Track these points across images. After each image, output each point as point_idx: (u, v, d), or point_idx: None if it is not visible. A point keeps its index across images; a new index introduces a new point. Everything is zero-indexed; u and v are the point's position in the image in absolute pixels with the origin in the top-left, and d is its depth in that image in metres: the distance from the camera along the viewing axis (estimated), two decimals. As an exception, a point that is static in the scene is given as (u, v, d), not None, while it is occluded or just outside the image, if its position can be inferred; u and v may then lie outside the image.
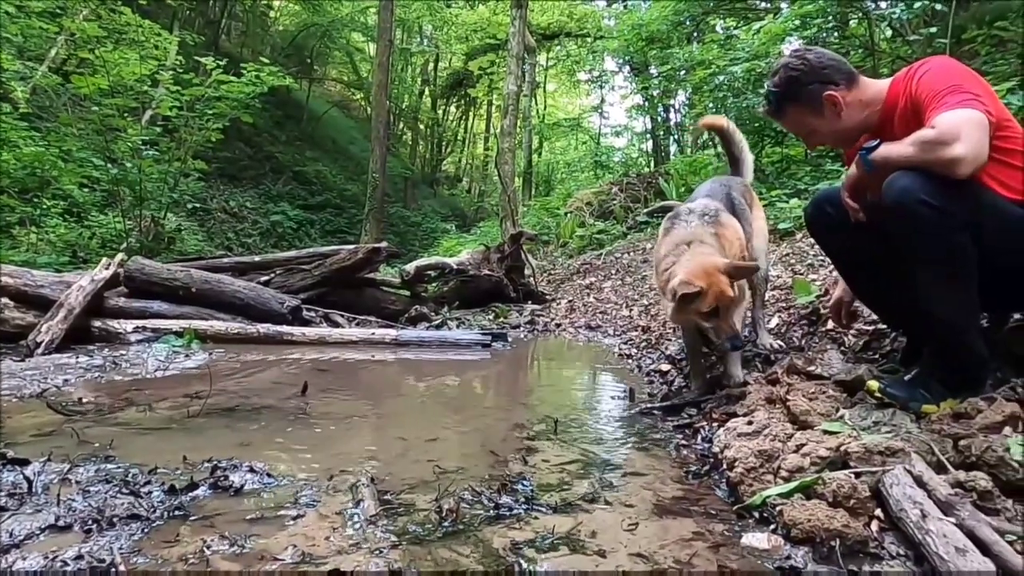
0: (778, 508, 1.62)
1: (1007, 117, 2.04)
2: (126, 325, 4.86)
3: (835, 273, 3.10)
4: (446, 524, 1.64)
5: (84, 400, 2.98)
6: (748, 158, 3.65)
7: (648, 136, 17.91)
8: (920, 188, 1.87)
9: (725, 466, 1.95)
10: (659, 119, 16.58)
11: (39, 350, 4.24)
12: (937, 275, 1.94)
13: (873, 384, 2.14)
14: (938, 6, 5.76)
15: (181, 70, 9.87)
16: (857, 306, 2.84)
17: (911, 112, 2.08)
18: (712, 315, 2.50)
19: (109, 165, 9.07)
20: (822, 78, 2.27)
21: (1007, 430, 1.72)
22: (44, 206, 9.05)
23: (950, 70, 2.05)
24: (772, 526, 1.62)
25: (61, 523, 1.59)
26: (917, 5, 5.64)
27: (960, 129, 1.83)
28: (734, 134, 3.65)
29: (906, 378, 2.18)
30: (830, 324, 3.28)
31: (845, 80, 2.27)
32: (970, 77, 2.02)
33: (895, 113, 2.18)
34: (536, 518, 1.70)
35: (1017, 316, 2.30)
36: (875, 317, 2.84)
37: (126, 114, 9.17)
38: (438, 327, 6.26)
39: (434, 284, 7.64)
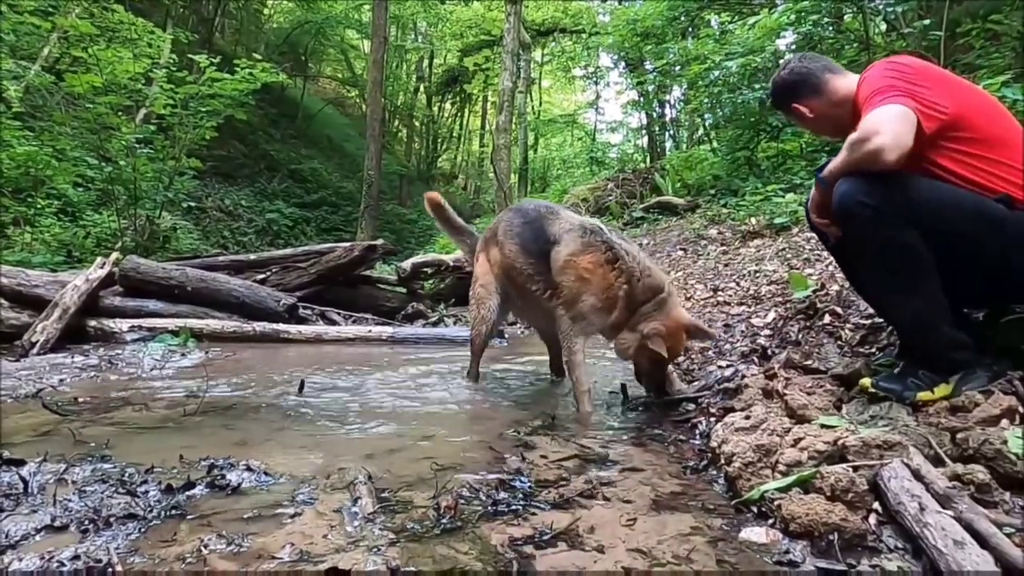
0: (776, 502, 1.62)
1: (972, 109, 2.01)
2: (121, 324, 4.85)
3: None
4: (444, 521, 1.64)
5: (80, 400, 2.97)
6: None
7: (643, 132, 17.85)
8: (857, 190, 1.92)
9: (723, 461, 1.95)
10: (654, 115, 16.52)
11: (34, 350, 4.23)
12: (885, 273, 1.99)
13: (866, 381, 2.15)
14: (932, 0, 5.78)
15: (175, 68, 9.83)
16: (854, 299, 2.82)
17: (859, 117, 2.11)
18: None
19: (103, 164, 9.03)
20: None
21: (1004, 423, 1.73)
22: (38, 205, 8.99)
23: (886, 72, 2.05)
24: (770, 520, 1.62)
25: (57, 523, 1.59)
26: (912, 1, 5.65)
27: (878, 123, 1.87)
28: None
29: (895, 371, 2.19)
30: (827, 319, 3.28)
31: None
32: (911, 73, 2.01)
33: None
34: (534, 514, 1.70)
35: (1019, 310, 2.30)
36: (871, 311, 2.85)
37: (120, 112, 9.10)
38: (435, 324, 6.25)
39: (430, 281, 7.63)
